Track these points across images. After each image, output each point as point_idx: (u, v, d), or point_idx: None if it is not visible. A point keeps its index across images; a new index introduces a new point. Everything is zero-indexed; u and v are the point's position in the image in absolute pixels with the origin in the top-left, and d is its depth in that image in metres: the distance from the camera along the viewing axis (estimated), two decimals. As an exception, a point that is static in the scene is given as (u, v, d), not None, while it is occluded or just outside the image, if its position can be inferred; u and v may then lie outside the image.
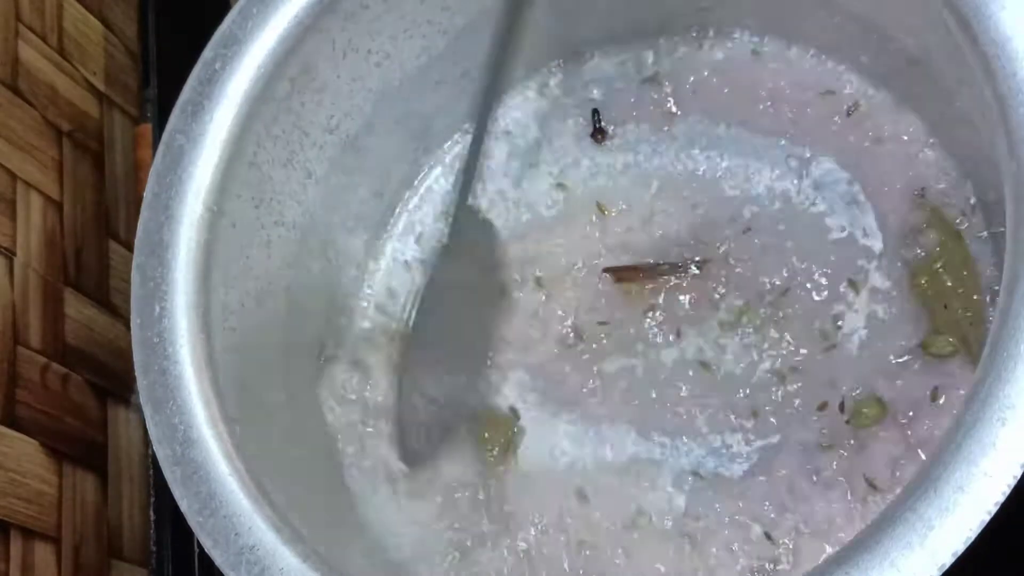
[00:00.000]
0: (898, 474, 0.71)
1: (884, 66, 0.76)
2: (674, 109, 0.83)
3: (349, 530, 0.75)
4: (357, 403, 0.82)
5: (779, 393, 0.75)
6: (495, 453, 0.78)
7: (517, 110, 0.86)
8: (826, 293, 0.76)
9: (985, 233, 0.73)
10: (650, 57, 0.84)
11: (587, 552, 0.75)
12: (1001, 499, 0.51)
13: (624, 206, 0.82)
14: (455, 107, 0.85)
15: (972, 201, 0.74)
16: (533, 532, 0.76)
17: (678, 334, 0.78)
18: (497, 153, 0.86)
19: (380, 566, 0.74)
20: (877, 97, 0.78)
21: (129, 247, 0.94)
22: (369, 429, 0.81)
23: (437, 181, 0.87)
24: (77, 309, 0.88)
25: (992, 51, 0.57)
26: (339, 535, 0.72)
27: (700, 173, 0.81)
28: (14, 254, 0.82)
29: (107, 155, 0.96)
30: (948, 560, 0.51)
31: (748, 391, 0.76)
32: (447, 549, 0.77)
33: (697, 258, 0.79)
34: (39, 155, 0.87)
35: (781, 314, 0.76)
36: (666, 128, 0.83)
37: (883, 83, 0.77)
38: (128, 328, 0.89)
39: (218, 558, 0.61)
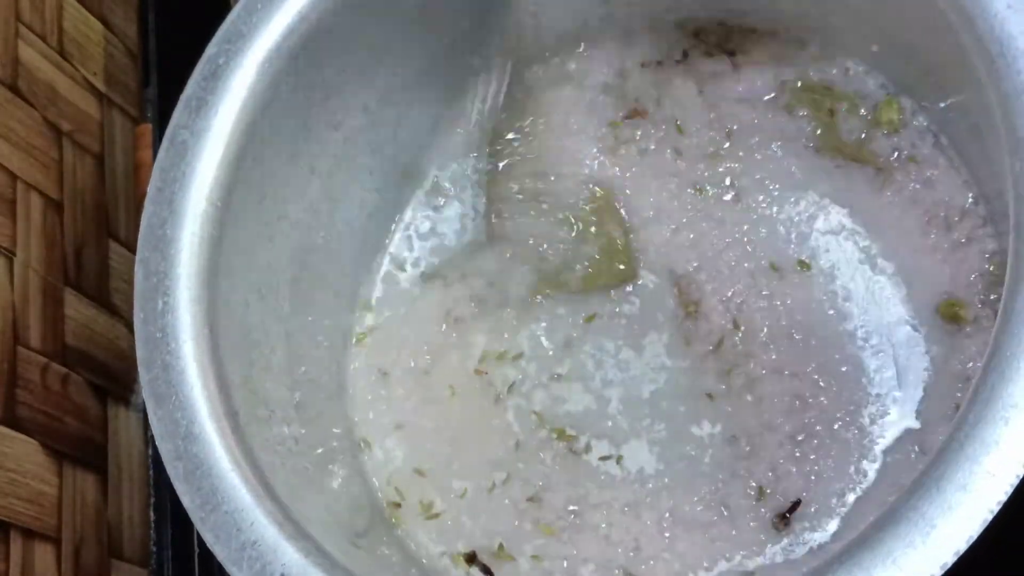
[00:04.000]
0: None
1: (886, 63, 0.76)
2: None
3: (353, 525, 0.75)
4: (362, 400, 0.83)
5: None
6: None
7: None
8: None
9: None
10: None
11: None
12: (1004, 498, 0.51)
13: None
14: (458, 105, 0.86)
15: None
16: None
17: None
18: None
19: (383, 562, 0.74)
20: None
21: (129, 247, 0.95)
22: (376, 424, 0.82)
23: (440, 176, 0.87)
24: (77, 309, 0.88)
25: (996, 50, 0.57)
26: (342, 531, 0.72)
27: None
28: (14, 254, 0.82)
29: (107, 155, 0.96)
30: (950, 559, 0.51)
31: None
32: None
33: None
34: (39, 155, 0.87)
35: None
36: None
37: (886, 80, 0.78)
38: (129, 328, 0.89)
39: (220, 554, 0.61)
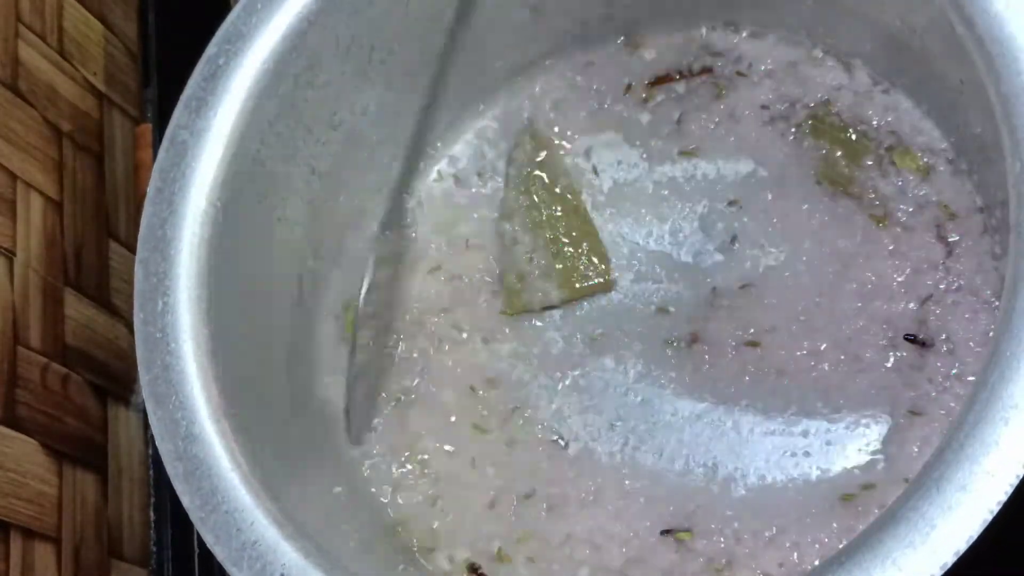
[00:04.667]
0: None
1: (887, 64, 0.76)
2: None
3: (352, 525, 0.75)
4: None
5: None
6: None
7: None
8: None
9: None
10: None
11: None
12: (1004, 498, 0.51)
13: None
14: (459, 103, 0.86)
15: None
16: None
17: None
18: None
19: (383, 562, 0.74)
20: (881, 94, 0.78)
21: (129, 247, 0.95)
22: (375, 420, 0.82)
23: (441, 176, 0.87)
24: (77, 309, 0.88)
25: (996, 50, 0.57)
26: (342, 530, 0.72)
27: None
28: (14, 254, 0.82)
29: (107, 155, 0.96)
30: (950, 559, 0.51)
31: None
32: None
33: None
34: (39, 155, 0.87)
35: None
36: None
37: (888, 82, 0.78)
38: (129, 328, 0.89)
39: (220, 554, 0.61)
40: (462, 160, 0.87)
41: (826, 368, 0.75)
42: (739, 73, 0.82)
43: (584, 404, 0.80)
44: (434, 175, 0.87)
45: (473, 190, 0.86)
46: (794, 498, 0.73)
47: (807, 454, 0.74)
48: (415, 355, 0.83)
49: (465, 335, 0.83)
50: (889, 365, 0.74)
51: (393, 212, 0.83)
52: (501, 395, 0.81)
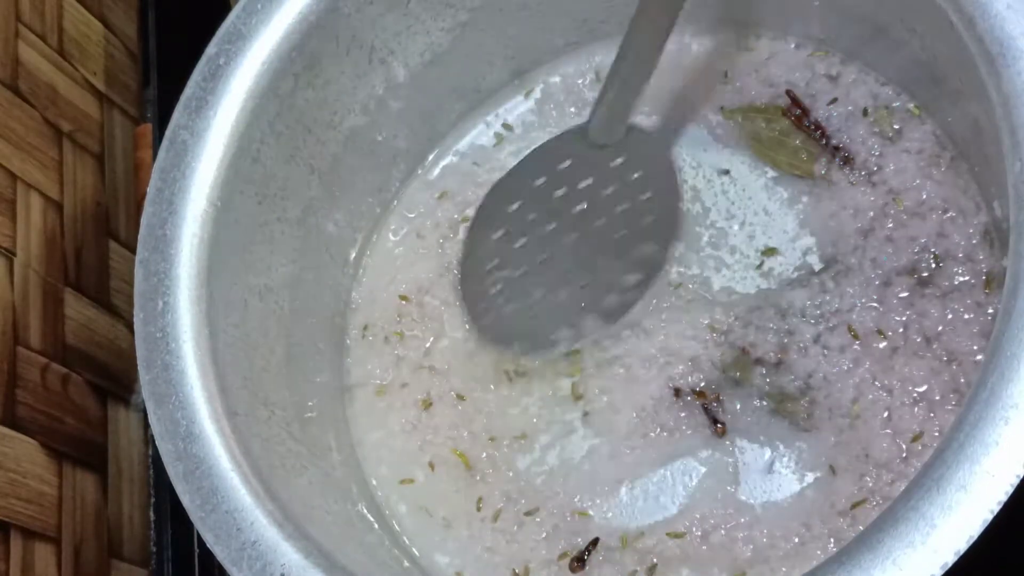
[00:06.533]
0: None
1: (888, 66, 0.76)
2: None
3: (352, 525, 0.75)
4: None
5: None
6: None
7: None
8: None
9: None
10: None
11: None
12: (1004, 498, 0.51)
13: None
14: (458, 103, 0.86)
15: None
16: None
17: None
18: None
19: (383, 562, 0.74)
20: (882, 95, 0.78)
21: (129, 247, 0.95)
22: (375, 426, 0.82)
23: (440, 176, 0.87)
24: (77, 309, 0.88)
25: (997, 50, 0.57)
26: (342, 530, 0.72)
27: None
28: (14, 254, 0.82)
29: (107, 155, 0.96)
30: (950, 559, 0.51)
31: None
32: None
33: None
34: (39, 155, 0.87)
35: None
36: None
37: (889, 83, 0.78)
38: (129, 328, 0.89)
39: (220, 554, 0.61)
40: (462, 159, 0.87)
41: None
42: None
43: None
44: (435, 174, 0.87)
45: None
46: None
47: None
48: (420, 373, 0.83)
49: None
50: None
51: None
52: (510, 399, 0.81)
